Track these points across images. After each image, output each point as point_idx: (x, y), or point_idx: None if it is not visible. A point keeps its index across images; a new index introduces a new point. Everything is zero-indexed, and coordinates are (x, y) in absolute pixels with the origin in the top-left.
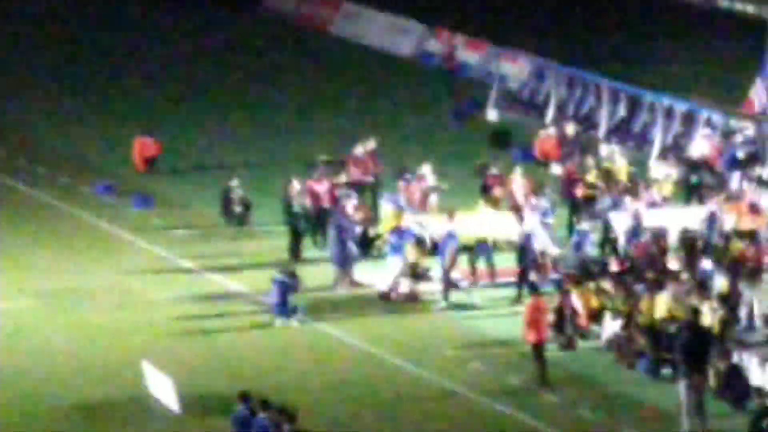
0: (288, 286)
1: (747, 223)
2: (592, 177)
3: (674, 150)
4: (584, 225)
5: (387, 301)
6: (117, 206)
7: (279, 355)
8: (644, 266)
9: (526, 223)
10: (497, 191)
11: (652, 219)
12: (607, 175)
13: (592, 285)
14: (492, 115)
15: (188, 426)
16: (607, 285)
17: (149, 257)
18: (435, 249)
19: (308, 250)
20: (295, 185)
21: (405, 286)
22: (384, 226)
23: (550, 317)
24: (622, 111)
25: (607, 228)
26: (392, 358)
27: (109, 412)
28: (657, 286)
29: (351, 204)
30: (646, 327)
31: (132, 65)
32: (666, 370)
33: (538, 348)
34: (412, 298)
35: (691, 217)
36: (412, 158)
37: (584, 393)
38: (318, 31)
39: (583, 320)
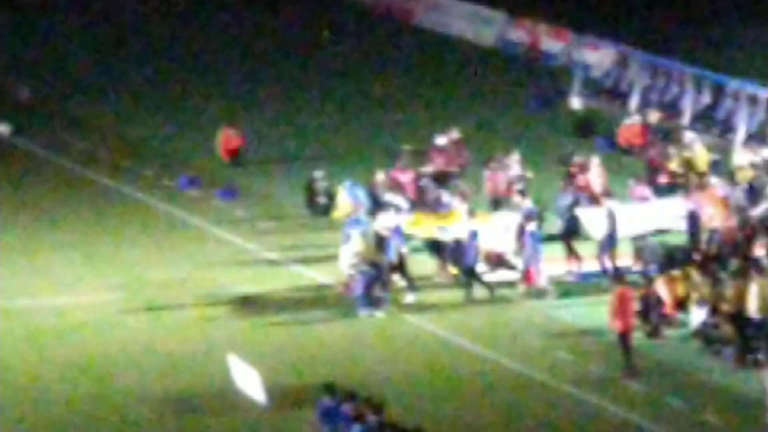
0: (372, 276)
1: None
2: (674, 165)
3: (758, 137)
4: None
5: (347, 288)
6: (201, 198)
7: (364, 347)
8: (730, 254)
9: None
10: (581, 180)
11: (626, 216)
12: (688, 164)
13: (677, 273)
14: (575, 103)
15: (274, 418)
16: (693, 273)
17: (234, 249)
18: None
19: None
20: (380, 175)
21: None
22: (336, 215)
23: (636, 306)
24: (706, 98)
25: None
26: (477, 348)
27: (196, 405)
28: (742, 273)
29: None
30: (732, 315)
31: (217, 58)
32: (752, 358)
33: (625, 336)
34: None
35: (668, 214)
36: (496, 147)
37: (670, 381)
38: (401, 22)
39: (668, 308)
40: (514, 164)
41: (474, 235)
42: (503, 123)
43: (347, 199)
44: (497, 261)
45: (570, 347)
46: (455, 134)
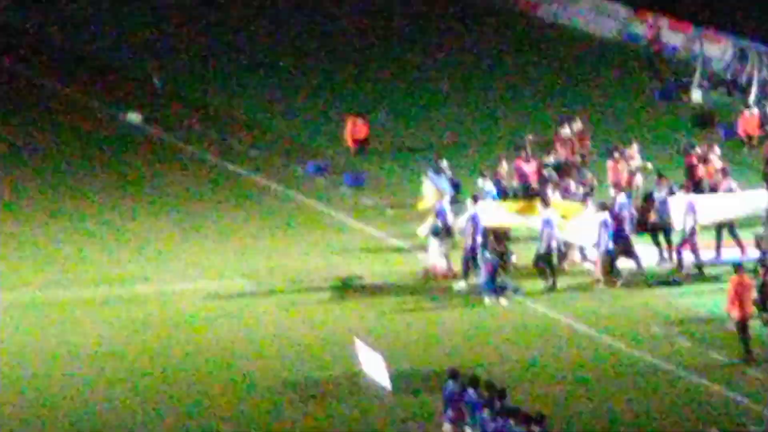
0: (497, 264)
1: None
2: None
3: None
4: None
5: (429, 278)
6: (328, 186)
7: (488, 333)
8: None
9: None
10: (700, 171)
11: (708, 206)
12: None
13: None
14: (696, 95)
15: (399, 403)
16: None
17: (360, 236)
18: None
19: (517, 230)
20: (504, 165)
21: (442, 263)
22: (421, 204)
23: (754, 294)
24: None
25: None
26: (599, 334)
27: (322, 390)
28: None
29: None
30: None
31: (346, 47)
32: None
33: (743, 324)
34: (450, 276)
35: (752, 204)
36: (618, 138)
37: None
38: (525, 14)
39: None
40: (635, 154)
41: (547, 223)
42: (625, 114)
43: (432, 188)
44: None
45: (690, 334)
46: (578, 124)
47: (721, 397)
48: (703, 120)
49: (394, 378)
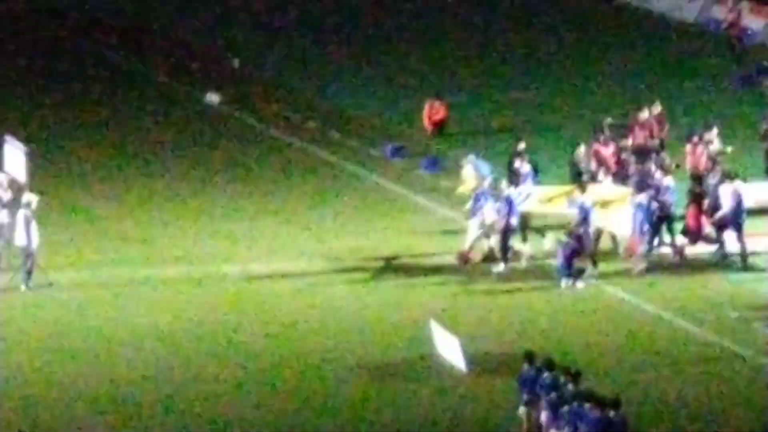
0: (573, 247)
1: None
2: None
3: None
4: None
5: (466, 261)
6: (406, 168)
7: (564, 316)
8: None
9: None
10: None
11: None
12: None
13: None
14: None
15: (474, 385)
16: None
17: (437, 218)
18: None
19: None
20: (582, 148)
21: (484, 246)
22: (461, 189)
23: None
24: None
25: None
26: (676, 319)
27: (396, 371)
28: None
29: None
30: None
31: (426, 29)
32: None
33: None
34: (490, 259)
35: None
36: (697, 123)
37: None
38: None
39: None
40: (714, 139)
41: (581, 208)
42: (704, 99)
43: (472, 172)
44: (696, 234)
45: (766, 319)
46: (657, 108)
47: None
48: None
49: (470, 360)
